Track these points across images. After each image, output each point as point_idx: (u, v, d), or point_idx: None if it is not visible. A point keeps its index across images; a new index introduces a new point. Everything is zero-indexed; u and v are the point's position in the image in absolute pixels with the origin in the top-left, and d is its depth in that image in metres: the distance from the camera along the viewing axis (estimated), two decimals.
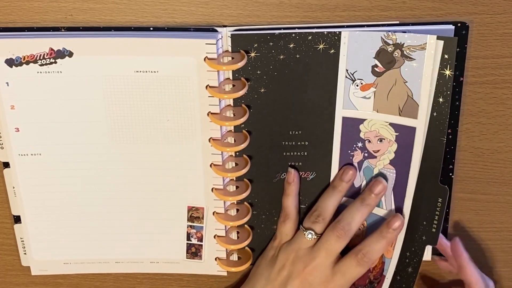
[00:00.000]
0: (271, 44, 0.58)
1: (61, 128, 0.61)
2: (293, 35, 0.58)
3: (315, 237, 0.60)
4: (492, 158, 0.65)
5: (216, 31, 0.58)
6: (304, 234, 0.60)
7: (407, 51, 0.56)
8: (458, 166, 0.65)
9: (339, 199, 0.61)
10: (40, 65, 0.58)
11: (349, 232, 0.59)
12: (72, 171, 0.63)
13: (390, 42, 0.56)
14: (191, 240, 0.66)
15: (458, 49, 0.59)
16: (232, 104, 0.61)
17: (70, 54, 0.58)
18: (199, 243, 0.66)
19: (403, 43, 0.56)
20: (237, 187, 0.64)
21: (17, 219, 0.65)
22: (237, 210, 0.65)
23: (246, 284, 0.64)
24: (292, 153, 0.63)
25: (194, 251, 0.66)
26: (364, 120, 0.60)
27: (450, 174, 0.64)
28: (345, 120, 0.60)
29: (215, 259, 0.66)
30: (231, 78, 0.60)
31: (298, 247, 0.61)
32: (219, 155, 0.62)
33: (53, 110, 0.60)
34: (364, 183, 0.62)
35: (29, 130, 0.61)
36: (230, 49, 0.59)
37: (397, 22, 0.59)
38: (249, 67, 0.59)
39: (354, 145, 0.61)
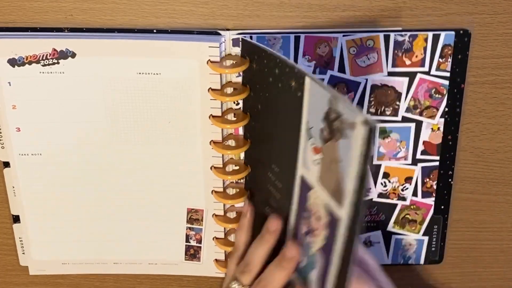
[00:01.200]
0: (265, 61, 0.54)
1: (62, 129, 0.61)
2: (278, 60, 0.52)
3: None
4: (492, 158, 0.65)
5: (220, 34, 0.58)
6: (231, 285, 0.58)
7: (342, 124, 0.43)
8: (458, 166, 0.65)
9: (266, 248, 0.57)
10: (43, 65, 0.58)
11: None
12: (72, 172, 0.62)
13: (334, 107, 0.44)
14: (190, 242, 0.65)
15: (459, 56, 0.59)
16: (233, 107, 0.61)
17: (73, 55, 0.58)
18: (198, 245, 0.65)
19: (342, 113, 0.43)
20: (237, 190, 0.64)
21: (16, 219, 0.65)
22: (236, 212, 0.65)
23: None
24: (271, 189, 0.57)
25: (192, 253, 0.66)
26: (312, 188, 0.50)
27: (450, 180, 0.64)
28: (302, 180, 0.51)
29: (214, 260, 0.66)
30: (233, 81, 0.60)
31: None
32: (220, 158, 0.62)
33: (55, 111, 0.60)
34: (304, 260, 0.54)
35: (30, 130, 0.61)
36: (232, 52, 0.59)
37: (400, 28, 0.59)
38: (252, 73, 0.58)
39: (303, 212, 0.52)
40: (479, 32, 0.59)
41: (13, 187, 0.63)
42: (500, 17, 0.59)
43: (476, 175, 0.66)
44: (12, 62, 0.58)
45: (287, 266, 0.55)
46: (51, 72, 0.58)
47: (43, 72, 0.58)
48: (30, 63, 0.58)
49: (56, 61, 0.58)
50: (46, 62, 0.58)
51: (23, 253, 0.66)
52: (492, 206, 0.67)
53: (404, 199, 0.65)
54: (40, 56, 0.57)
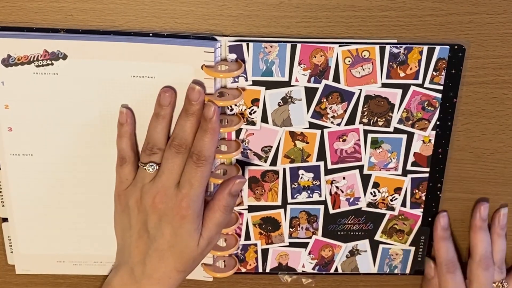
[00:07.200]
0: None
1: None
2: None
3: (157, 167, 0.57)
4: (492, 158, 0.65)
5: (216, 39, 0.58)
6: (145, 169, 0.57)
7: None
8: (458, 166, 0.65)
9: (165, 124, 0.58)
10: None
11: (186, 143, 0.56)
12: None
13: None
14: None
15: (453, 71, 0.60)
16: (226, 112, 0.61)
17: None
18: None
19: None
20: None
21: (5, 219, 0.65)
22: (225, 240, 0.65)
23: (117, 252, 0.61)
24: None
25: None
26: None
27: (438, 192, 0.65)
28: None
29: (202, 264, 0.66)
30: (228, 86, 0.60)
31: (141, 184, 0.58)
32: None
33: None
34: None
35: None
36: (228, 59, 0.59)
37: (395, 41, 0.59)
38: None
39: None
40: (479, 32, 0.59)
41: (1, 186, 0.63)
42: (500, 17, 0.59)
43: (476, 175, 0.66)
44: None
45: (193, 110, 0.57)
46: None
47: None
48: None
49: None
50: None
51: (11, 252, 0.66)
52: (492, 206, 0.67)
53: (392, 209, 0.66)
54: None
